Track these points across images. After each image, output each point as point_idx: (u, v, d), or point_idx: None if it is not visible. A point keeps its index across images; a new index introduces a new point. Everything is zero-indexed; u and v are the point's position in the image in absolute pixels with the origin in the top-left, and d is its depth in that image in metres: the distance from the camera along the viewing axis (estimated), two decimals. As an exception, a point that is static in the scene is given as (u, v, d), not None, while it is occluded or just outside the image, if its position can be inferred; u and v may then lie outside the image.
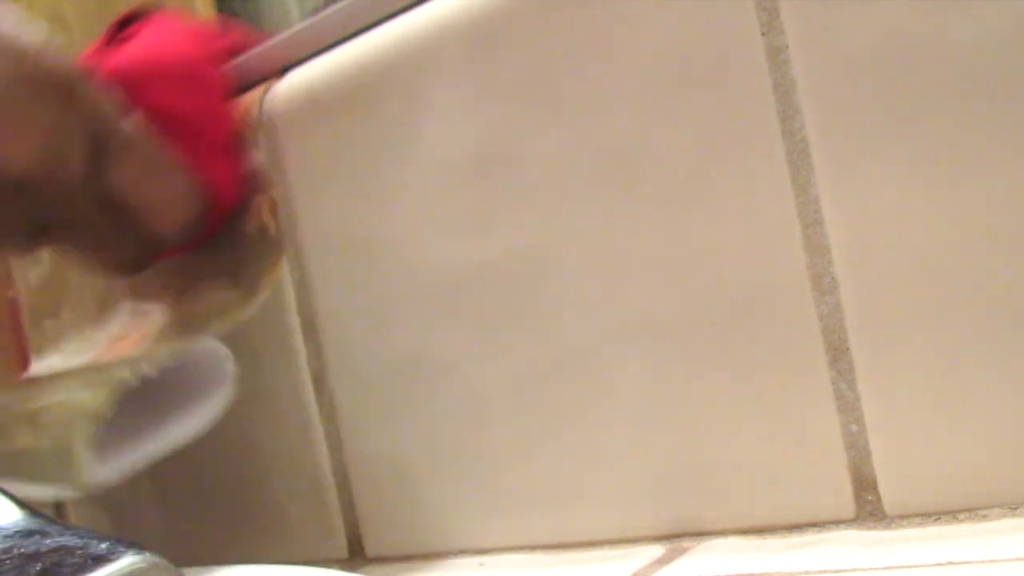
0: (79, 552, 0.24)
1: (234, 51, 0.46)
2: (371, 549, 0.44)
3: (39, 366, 0.45)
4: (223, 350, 0.41)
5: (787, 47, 0.31)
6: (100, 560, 0.24)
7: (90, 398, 0.39)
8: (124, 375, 0.39)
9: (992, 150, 0.28)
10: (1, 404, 0.41)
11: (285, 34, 0.46)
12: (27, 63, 0.39)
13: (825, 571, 0.29)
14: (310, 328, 0.45)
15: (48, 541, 0.25)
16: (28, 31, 0.40)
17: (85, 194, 0.41)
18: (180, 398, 0.41)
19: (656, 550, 0.35)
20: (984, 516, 0.29)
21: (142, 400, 0.39)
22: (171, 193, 0.43)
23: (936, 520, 0.30)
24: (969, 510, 0.30)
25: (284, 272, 0.45)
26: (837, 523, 0.32)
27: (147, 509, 0.53)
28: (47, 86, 0.40)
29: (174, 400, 0.40)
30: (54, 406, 0.40)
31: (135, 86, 0.43)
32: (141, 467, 0.39)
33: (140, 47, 0.44)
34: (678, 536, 0.35)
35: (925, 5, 0.29)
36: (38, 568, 0.24)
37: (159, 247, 0.44)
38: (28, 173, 0.39)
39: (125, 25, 0.45)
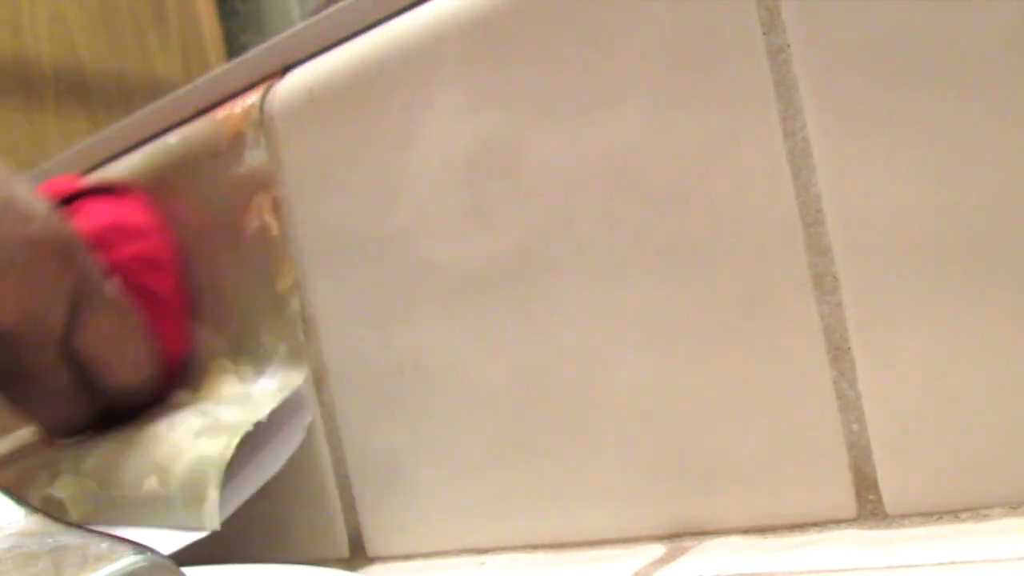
0: (80, 551, 0.24)
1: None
2: (372, 548, 0.44)
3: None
4: (305, 401, 0.43)
5: (788, 46, 0.31)
6: (101, 559, 0.24)
7: (216, 446, 0.42)
8: (244, 425, 0.42)
9: (994, 149, 0.28)
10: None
11: (285, 34, 0.46)
12: (33, 226, 0.43)
13: (826, 570, 0.29)
14: (310, 328, 0.45)
15: (49, 540, 0.25)
16: (36, 199, 0.45)
17: (57, 349, 0.44)
18: (262, 443, 0.43)
19: (657, 549, 0.35)
20: (986, 515, 0.29)
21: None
22: (136, 352, 0.47)
23: (937, 519, 0.30)
24: (971, 509, 0.30)
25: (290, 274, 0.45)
26: (838, 522, 0.32)
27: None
28: (47, 248, 0.43)
29: (258, 445, 0.43)
30: (184, 454, 0.43)
31: (102, 248, 0.47)
32: (239, 505, 0.42)
33: (95, 216, 0.48)
34: (679, 535, 0.35)
35: (926, 4, 0.29)
36: (39, 567, 0.24)
37: (110, 406, 0.47)
38: (12, 326, 0.42)
39: (68, 201, 0.48)
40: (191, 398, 0.48)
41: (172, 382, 0.49)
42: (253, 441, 0.43)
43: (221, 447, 0.41)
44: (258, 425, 0.42)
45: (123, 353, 0.46)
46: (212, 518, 0.40)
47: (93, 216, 0.48)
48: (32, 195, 0.45)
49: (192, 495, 0.41)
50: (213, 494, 0.40)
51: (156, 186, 0.50)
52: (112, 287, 0.46)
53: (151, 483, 0.43)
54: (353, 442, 0.44)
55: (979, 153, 0.28)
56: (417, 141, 0.40)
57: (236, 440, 0.41)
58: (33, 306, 0.43)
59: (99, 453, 0.46)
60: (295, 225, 0.44)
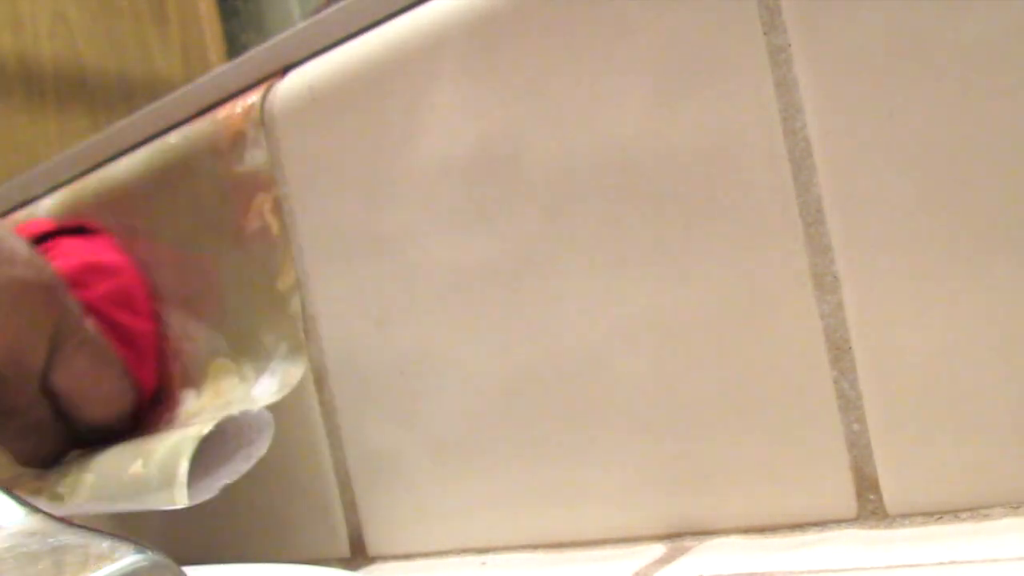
0: (81, 551, 0.24)
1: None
2: (372, 548, 0.44)
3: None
4: (266, 413, 0.43)
5: (789, 46, 0.31)
6: (102, 559, 0.24)
7: (197, 429, 0.42)
8: (229, 410, 0.43)
9: (994, 149, 0.28)
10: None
11: (286, 33, 0.46)
12: (17, 268, 0.44)
13: (827, 570, 0.29)
14: (311, 327, 0.45)
15: (50, 540, 0.25)
16: (17, 240, 0.46)
17: (37, 386, 0.46)
18: (231, 445, 0.44)
19: (658, 549, 0.35)
20: (986, 515, 0.29)
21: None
22: (112, 388, 0.48)
23: (938, 519, 0.30)
24: (971, 509, 0.30)
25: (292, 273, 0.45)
26: (839, 522, 0.32)
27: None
28: (30, 289, 0.44)
29: (227, 446, 0.44)
30: (170, 438, 0.44)
31: (77, 287, 0.48)
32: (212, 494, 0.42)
33: (69, 255, 0.49)
34: (680, 535, 0.35)
35: (926, 4, 0.29)
36: (40, 567, 0.24)
37: (84, 439, 0.48)
38: None
39: (40, 241, 0.49)
40: (197, 403, 0.48)
41: (142, 415, 0.50)
42: (236, 439, 0.43)
43: (201, 429, 0.42)
44: (245, 415, 0.42)
45: (100, 389, 0.47)
46: (181, 495, 0.41)
47: (68, 255, 0.49)
48: (12, 236, 0.46)
49: (166, 474, 0.41)
50: (184, 466, 0.41)
51: (156, 185, 0.50)
52: (90, 325, 0.47)
53: (136, 466, 0.43)
54: (354, 441, 0.44)
55: (979, 152, 0.28)
56: (417, 141, 0.40)
57: (215, 421, 0.42)
58: (16, 345, 0.44)
59: (100, 456, 0.47)
60: (296, 224, 0.44)
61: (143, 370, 0.49)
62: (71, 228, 0.51)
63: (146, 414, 0.50)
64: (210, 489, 0.41)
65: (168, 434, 0.44)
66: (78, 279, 0.48)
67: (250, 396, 0.46)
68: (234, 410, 0.43)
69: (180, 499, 0.41)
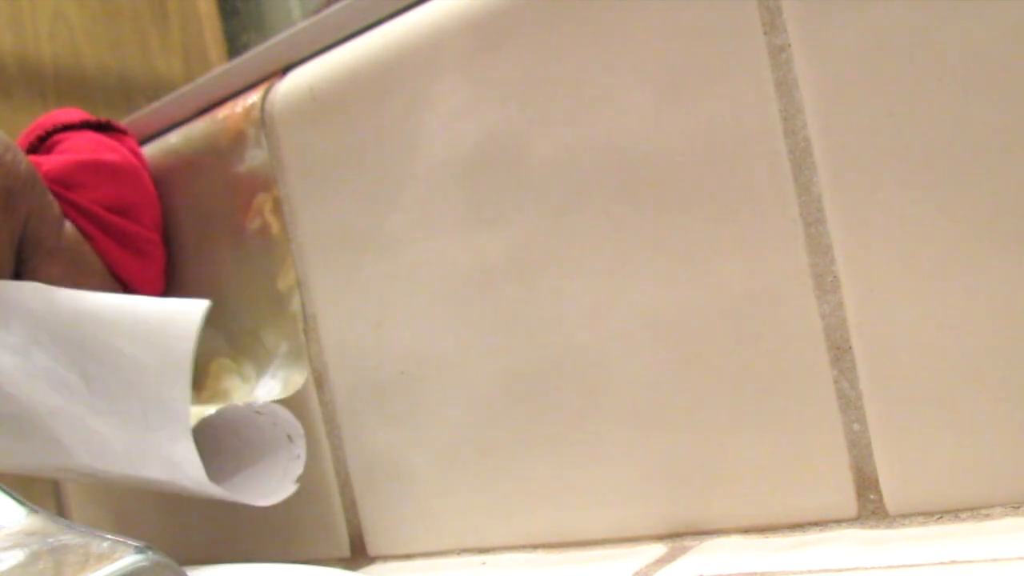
0: (81, 550, 0.24)
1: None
2: (373, 548, 0.44)
3: None
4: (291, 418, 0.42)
5: (789, 46, 0.31)
6: (102, 558, 0.24)
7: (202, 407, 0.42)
8: (234, 403, 0.42)
9: (994, 149, 0.28)
10: None
11: (286, 33, 0.46)
12: None
13: (827, 570, 0.29)
14: (311, 327, 0.45)
15: (51, 539, 0.25)
16: None
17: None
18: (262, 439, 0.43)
19: (658, 549, 0.35)
20: (986, 515, 0.29)
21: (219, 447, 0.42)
22: None
23: (938, 519, 0.30)
24: (971, 509, 0.30)
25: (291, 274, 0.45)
26: (839, 522, 0.32)
27: (149, 507, 0.53)
28: None
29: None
30: None
31: (70, 187, 0.45)
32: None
33: (73, 152, 0.46)
34: (680, 535, 0.35)
35: (926, 4, 0.29)
36: (40, 567, 0.24)
37: None
38: None
39: (47, 137, 0.47)
40: (196, 400, 0.48)
41: None
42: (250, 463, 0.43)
43: (204, 409, 0.41)
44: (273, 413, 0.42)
45: None
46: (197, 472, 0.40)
47: (72, 151, 0.46)
48: None
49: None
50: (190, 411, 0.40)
51: (157, 185, 0.50)
52: (69, 229, 0.44)
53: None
54: (354, 441, 0.44)
55: (979, 152, 0.28)
56: (417, 141, 0.40)
57: (221, 406, 0.41)
58: None
59: None
60: (296, 224, 0.44)
61: (147, 275, 0.47)
62: (97, 123, 0.48)
63: None
64: (277, 492, 0.41)
65: None
66: (72, 179, 0.45)
67: (253, 396, 0.46)
68: (240, 404, 0.42)
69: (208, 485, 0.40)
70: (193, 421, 0.40)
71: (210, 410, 0.41)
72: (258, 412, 0.42)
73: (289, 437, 0.42)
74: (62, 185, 0.45)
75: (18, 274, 0.43)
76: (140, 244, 0.47)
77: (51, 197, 0.44)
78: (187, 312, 0.37)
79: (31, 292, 0.40)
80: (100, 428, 0.40)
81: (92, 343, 0.39)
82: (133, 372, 0.38)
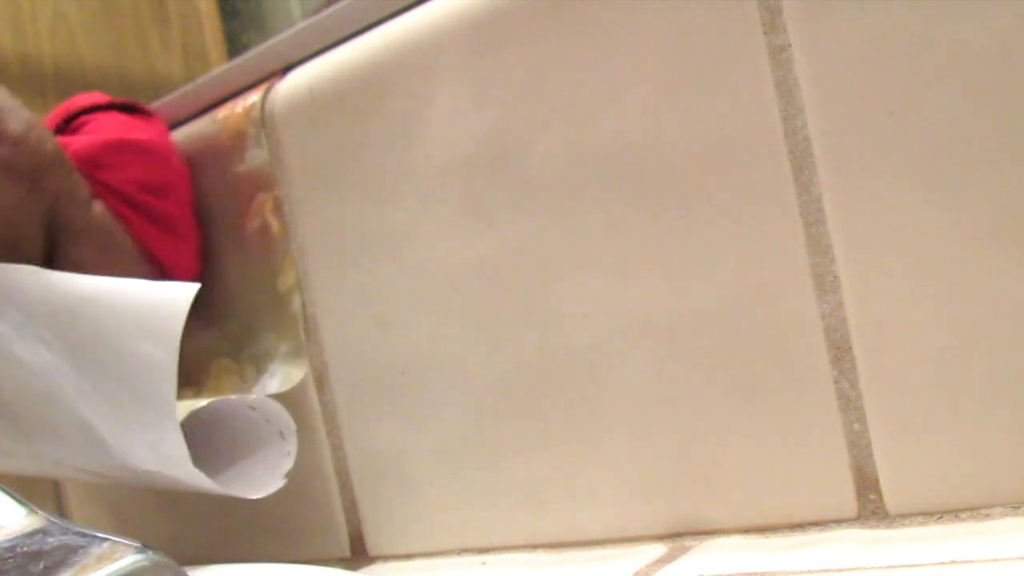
0: (81, 551, 0.24)
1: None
2: (373, 548, 0.44)
3: None
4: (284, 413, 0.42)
5: (789, 46, 0.31)
6: (103, 559, 0.24)
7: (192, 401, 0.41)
8: (229, 394, 0.42)
9: (994, 150, 0.28)
10: None
11: (286, 33, 0.46)
12: (3, 149, 0.40)
13: (827, 570, 0.29)
14: (311, 327, 0.45)
15: (50, 540, 0.25)
16: (11, 116, 0.41)
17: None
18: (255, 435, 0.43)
19: (658, 549, 0.35)
20: (986, 515, 0.29)
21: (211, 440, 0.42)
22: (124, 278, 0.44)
23: (938, 519, 0.30)
24: (971, 509, 0.30)
25: (292, 274, 0.45)
26: (839, 522, 0.32)
27: (149, 507, 0.53)
28: (16, 171, 0.40)
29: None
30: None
31: (99, 167, 0.44)
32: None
33: (100, 132, 0.45)
34: (680, 535, 0.35)
35: (927, 4, 0.29)
36: (40, 567, 0.24)
37: None
38: None
39: (72, 119, 0.46)
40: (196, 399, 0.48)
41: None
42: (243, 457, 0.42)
43: (195, 402, 0.41)
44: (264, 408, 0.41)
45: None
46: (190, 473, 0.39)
47: (99, 131, 0.45)
48: (7, 112, 0.41)
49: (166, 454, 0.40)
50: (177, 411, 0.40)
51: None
52: (98, 210, 0.43)
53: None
54: (354, 442, 0.44)
55: (979, 153, 0.28)
56: (417, 140, 0.40)
57: (212, 399, 0.41)
58: (5, 233, 0.41)
59: None
60: (296, 224, 0.44)
61: (182, 254, 0.46)
62: (123, 104, 0.48)
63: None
64: (265, 486, 0.41)
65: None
66: (101, 158, 0.44)
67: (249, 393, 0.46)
68: (234, 396, 0.41)
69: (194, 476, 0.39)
70: (184, 413, 0.40)
71: (202, 402, 0.41)
72: (251, 407, 0.42)
73: (281, 434, 0.42)
74: (91, 165, 0.44)
75: (48, 256, 0.42)
76: (173, 223, 0.46)
77: (79, 177, 0.43)
78: (174, 296, 0.37)
79: (28, 275, 0.39)
80: (90, 417, 0.40)
81: (82, 328, 0.38)
82: (120, 359, 0.38)
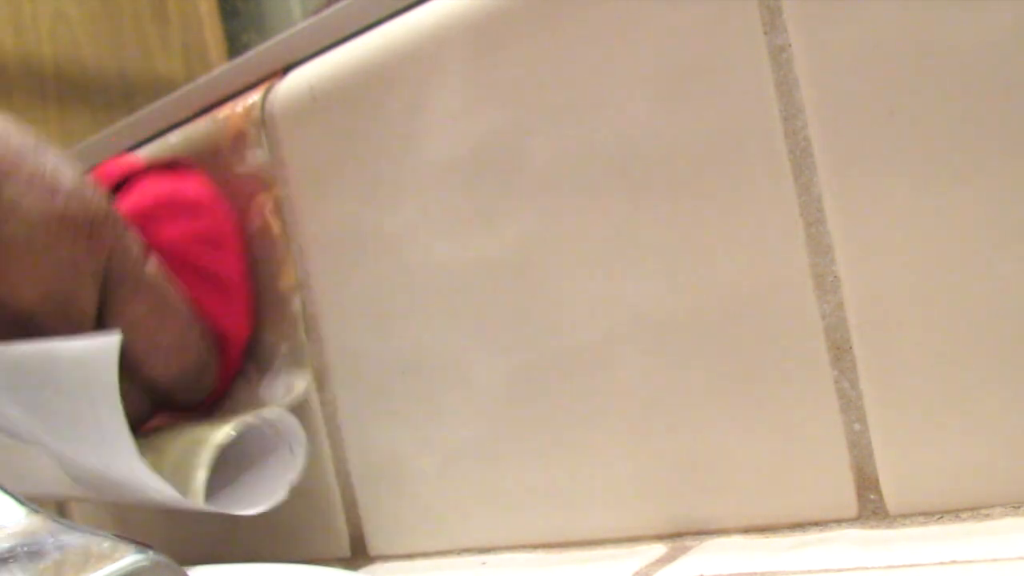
0: (81, 550, 0.24)
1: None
2: (373, 548, 0.44)
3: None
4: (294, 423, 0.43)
5: (789, 45, 0.31)
6: (103, 558, 0.24)
7: (211, 431, 0.41)
8: (246, 417, 0.42)
9: (995, 149, 0.28)
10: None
11: (286, 33, 0.46)
12: (57, 201, 0.39)
13: (827, 570, 0.29)
14: (312, 327, 0.45)
15: (51, 539, 0.25)
16: (66, 169, 0.41)
17: (91, 332, 0.41)
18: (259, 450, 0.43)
19: (658, 549, 0.35)
20: (987, 515, 0.29)
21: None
22: (175, 340, 0.43)
23: (939, 519, 0.30)
24: (972, 509, 0.30)
25: (292, 276, 0.45)
26: (839, 522, 0.32)
27: (149, 507, 0.53)
28: (72, 224, 0.40)
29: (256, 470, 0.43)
30: (183, 434, 0.42)
31: (152, 222, 0.44)
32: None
33: (149, 190, 0.45)
34: (680, 535, 0.35)
35: (927, 4, 0.29)
36: (40, 567, 0.24)
37: (163, 400, 0.44)
38: (35, 307, 0.39)
39: (119, 186, 0.46)
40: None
41: (235, 370, 0.46)
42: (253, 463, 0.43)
43: (220, 432, 0.41)
44: (264, 431, 0.42)
45: (161, 340, 0.42)
46: (197, 497, 0.40)
47: (146, 191, 0.45)
48: (62, 167, 0.41)
49: (181, 475, 0.41)
50: (201, 475, 0.40)
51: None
52: (152, 267, 0.43)
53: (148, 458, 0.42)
54: (354, 441, 0.44)
55: (980, 153, 0.28)
56: (418, 140, 0.40)
57: (234, 428, 0.41)
58: (56, 287, 0.40)
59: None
60: (296, 224, 0.44)
61: (231, 317, 0.45)
62: (161, 164, 0.47)
63: (238, 367, 0.46)
64: (268, 498, 0.41)
65: (188, 430, 0.44)
66: (152, 215, 0.44)
67: (257, 396, 0.46)
68: (251, 417, 0.42)
69: (195, 502, 0.40)
70: (212, 449, 0.40)
71: (231, 433, 0.41)
72: (273, 426, 0.42)
73: (290, 448, 0.42)
74: (144, 220, 0.44)
75: (100, 314, 0.42)
76: (225, 279, 0.45)
77: (133, 233, 0.43)
78: (101, 350, 0.36)
79: None
80: (68, 454, 0.40)
81: (29, 392, 0.39)
82: (71, 416, 0.38)
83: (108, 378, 0.36)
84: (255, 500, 0.41)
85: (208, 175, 0.47)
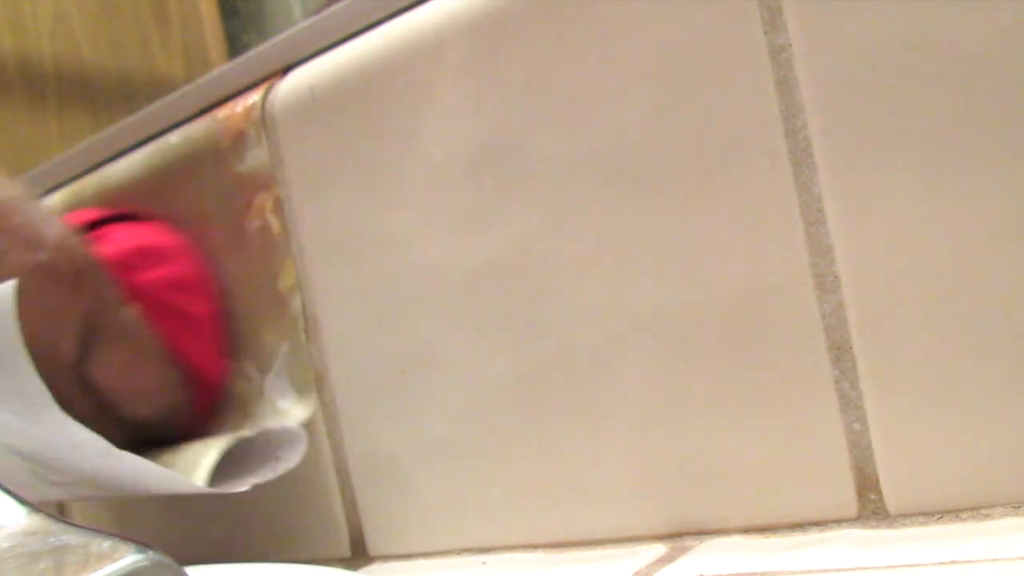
0: (82, 550, 0.24)
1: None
2: (373, 548, 0.44)
3: None
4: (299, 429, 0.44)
5: (790, 45, 0.31)
6: (103, 558, 0.24)
7: (217, 440, 0.44)
8: (245, 432, 0.44)
9: (994, 149, 0.28)
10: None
11: (287, 33, 0.46)
12: (41, 253, 0.43)
13: (828, 570, 0.29)
14: (311, 327, 0.45)
15: (51, 539, 0.25)
16: (52, 222, 0.44)
17: (71, 377, 0.44)
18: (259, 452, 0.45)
19: (659, 549, 0.35)
20: (986, 515, 0.29)
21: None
22: (151, 382, 0.46)
23: (939, 519, 0.30)
24: (971, 509, 0.30)
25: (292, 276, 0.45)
26: (840, 522, 0.32)
27: (150, 507, 0.53)
28: (57, 275, 0.43)
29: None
30: (195, 444, 0.45)
31: (130, 270, 0.46)
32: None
33: (121, 240, 0.47)
34: (680, 535, 0.35)
35: (927, 4, 0.29)
36: (41, 566, 0.24)
37: (141, 436, 0.47)
38: None
39: (92, 228, 0.48)
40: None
41: (210, 408, 0.48)
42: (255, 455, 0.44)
43: (227, 439, 0.43)
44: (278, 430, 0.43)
45: (139, 383, 0.46)
46: (200, 479, 0.41)
47: (119, 241, 0.47)
48: (46, 220, 0.44)
49: (192, 464, 0.42)
50: (211, 455, 0.42)
51: (157, 185, 0.50)
52: (130, 315, 0.45)
53: (164, 457, 0.44)
54: (354, 442, 0.44)
55: (979, 153, 0.28)
56: (418, 140, 0.40)
57: (241, 434, 0.42)
58: (44, 334, 0.42)
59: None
60: (296, 224, 0.44)
61: (205, 357, 0.47)
62: (122, 215, 0.49)
63: (212, 406, 0.48)
64: (240, 483, 0.42)
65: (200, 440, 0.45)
66: (128, 263, 0.46)
67: (263, 395, 0.46)
68: (268, 423, 0.43)
69: (199, 481, 0.41)
70: (225, 441, 0.42)
71: (235, 439, 0.42)
72: (282, 435, 0.43)
73: (291, 445, 0.43)
74: (123, 268, 0.46)
75: (81, 357, 0.44)
76: (199, 319, 0.48)
77: (112, 281, 0.45)
78: None
79: None
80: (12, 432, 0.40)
81: None
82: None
83: (8, 328, 0.37)
84: (240, 483, 0.42)
85: (207, 176, 0.47)
